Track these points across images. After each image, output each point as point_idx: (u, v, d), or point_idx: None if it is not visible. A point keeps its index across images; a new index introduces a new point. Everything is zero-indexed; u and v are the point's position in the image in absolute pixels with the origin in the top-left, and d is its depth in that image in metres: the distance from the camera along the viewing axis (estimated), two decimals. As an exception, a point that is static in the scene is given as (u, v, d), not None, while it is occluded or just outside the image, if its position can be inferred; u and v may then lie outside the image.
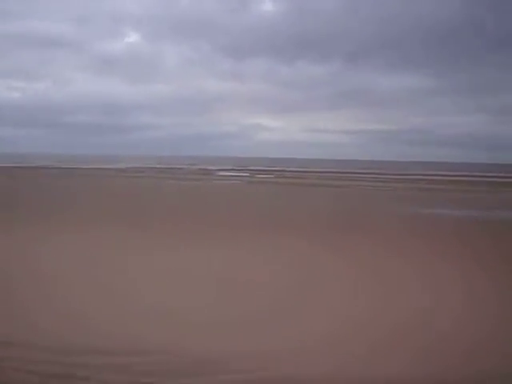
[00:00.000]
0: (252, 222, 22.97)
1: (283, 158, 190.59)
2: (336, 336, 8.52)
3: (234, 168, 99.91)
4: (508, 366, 7.53)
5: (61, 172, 73.12)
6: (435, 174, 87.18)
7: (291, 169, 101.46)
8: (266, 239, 17.80)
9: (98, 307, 9.72)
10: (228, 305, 10.15)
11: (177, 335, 8.37)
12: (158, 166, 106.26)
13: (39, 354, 7.44)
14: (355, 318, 9.45)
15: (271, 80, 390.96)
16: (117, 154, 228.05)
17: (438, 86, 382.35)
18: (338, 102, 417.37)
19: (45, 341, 7.92)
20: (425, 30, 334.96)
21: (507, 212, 29.70)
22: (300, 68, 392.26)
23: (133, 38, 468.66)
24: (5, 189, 39.07)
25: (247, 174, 78.22)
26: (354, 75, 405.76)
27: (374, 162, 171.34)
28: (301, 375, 7.01)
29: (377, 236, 19.49)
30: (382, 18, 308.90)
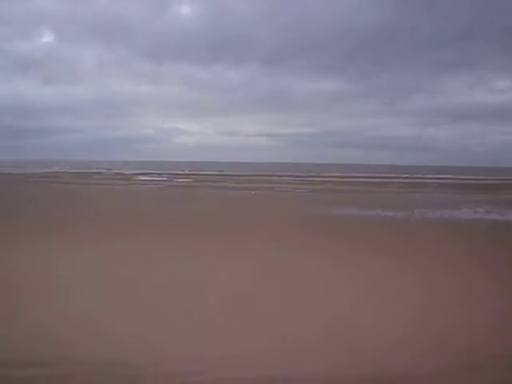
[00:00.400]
0: (163, 227, 23.17)
1: (202, 161, 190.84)
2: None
3: (153, 172, 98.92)
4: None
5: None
6: (352, 176, 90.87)
7: (210, 172, 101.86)
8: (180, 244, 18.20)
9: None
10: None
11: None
12: (74, 170, 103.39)
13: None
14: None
15: (189, 83, 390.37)
16: (33, 159, 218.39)
17: (356, 89, 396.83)
18: (256, 105, 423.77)
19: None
20: (343, 34, 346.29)
21: (409, 212, 31.56)
22: (217, 72, 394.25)
23: (49, 38, 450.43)
24: None
25: (166, 179, 77.89)
26: (272, 79, 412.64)
27: (293, 165, 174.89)
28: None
29: (278, 235, 20.60)
30: (299, 22, 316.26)
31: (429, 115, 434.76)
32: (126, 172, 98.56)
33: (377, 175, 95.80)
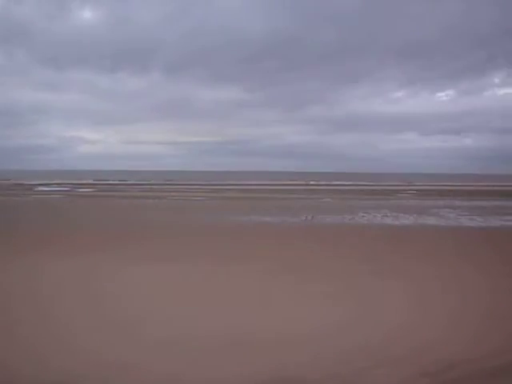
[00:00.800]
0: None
1: (106, 170, 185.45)
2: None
3: (54, 182, 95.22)
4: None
5: None
6: (253, 184, 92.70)
7: (113, 182, 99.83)
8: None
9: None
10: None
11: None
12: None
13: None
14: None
15: (92, 91, 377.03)
16: None
17: (257, 98, 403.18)
18: (159, 113, 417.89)
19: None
20: (244, 43, 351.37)
21: (308, 217, 33.23)
22: (120, 79, 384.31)
23: None
24: None
25: (68, 189, 75.52)
26: (174, 87, 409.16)
27: (195, 173, 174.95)
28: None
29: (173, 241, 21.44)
30: (200, 30, 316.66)
31: (328, 124, 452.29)
32: (27, 182, 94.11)
33: (277, 182, 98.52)
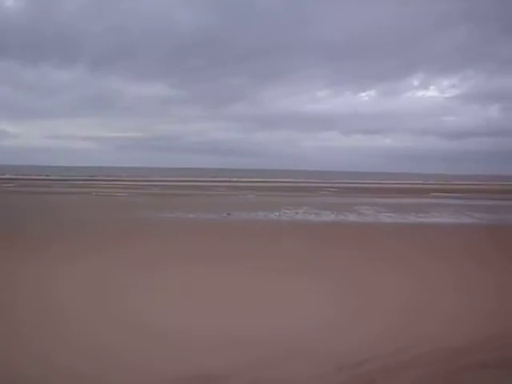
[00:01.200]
0: None
1: (27, 165, 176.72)
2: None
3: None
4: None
5: None
6: (178, 180, 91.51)
7: (35, 177, 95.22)
8: None
9: None
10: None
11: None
12: None
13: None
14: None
15: (14, 83, 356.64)
16: None
17: (182, 94, 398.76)
18: (84, 108, 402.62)
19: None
20: (169, 38, 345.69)
21: (227, 213, 32.89)
22: (44, 72, 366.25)
23: None
24: None
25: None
26: (100, 81, 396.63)
27: (120, 169, 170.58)
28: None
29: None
30: (126, 25, 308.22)
31: (252, 121, 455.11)
32: None
33: (201, 179, 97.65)
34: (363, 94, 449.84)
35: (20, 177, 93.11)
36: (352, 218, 32.81)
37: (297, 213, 34.84)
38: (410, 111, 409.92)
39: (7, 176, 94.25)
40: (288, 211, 35.57)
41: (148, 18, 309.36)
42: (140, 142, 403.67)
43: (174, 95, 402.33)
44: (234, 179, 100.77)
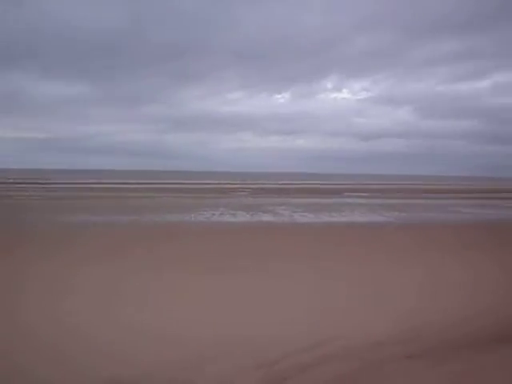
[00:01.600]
0: None
1: None
2: None
3: None
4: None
5: None
6: (87, 182, 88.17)
7: None
8: None
9: None
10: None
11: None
12: None
13: None
14: None
15: None
16: None
17: (96, 95, 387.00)
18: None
19: None
20: (80, 38, 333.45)
21: (139, 216, 31.73)
22: None
23: None
24: None
25: None
26: (3, 80, 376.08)
27: (24, 171, 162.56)
28: None
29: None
30: (34, 23, 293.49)
31: (166, 123, 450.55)
32: None
33: (113, 181, 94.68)
34: (278, 96, 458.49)
35: None
36: (267, 218, 32.70)
37: (213, 214, 34.19)
38: (323, 113, 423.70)
39: None
40: (205, 213, 34.88)
41: (57, 16, 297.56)
42: (45, 144, 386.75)
43: (85, 95, 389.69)
44: (148, 181, 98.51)
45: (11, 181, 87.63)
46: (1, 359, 7.87)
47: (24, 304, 10.88)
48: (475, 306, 10.93)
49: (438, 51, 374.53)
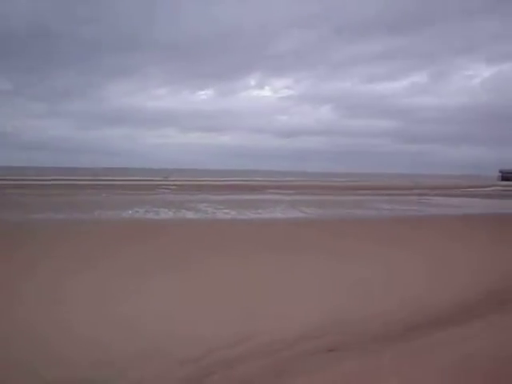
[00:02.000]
0: None
1: None
2: None
3: None
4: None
5: None
6: (10, 179, 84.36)
7: None
8: None
9: None
10: None
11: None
12: None
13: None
14: None
15: None
16: None
17: (18, 90, 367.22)
18: None
19: None
20: (4, 36, 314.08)
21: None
22: None
23: None
24: None
25: None
26: None
27: None
28: None
29: None
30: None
31: (91, 119, 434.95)
32: None
33: (35, 177, 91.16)
34: (201, 93, 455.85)
35: None
36: (190, 215, 33.10)
37: (137, 211, 34.26)
38: (246, 110, 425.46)
39: None
40: (130, 210, 34.80)
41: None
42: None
43: (7, 90, 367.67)
44: (67, 177, 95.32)
45: None
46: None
47: None
48: (389, 301, 11.40)
49: (362, 52, 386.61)
